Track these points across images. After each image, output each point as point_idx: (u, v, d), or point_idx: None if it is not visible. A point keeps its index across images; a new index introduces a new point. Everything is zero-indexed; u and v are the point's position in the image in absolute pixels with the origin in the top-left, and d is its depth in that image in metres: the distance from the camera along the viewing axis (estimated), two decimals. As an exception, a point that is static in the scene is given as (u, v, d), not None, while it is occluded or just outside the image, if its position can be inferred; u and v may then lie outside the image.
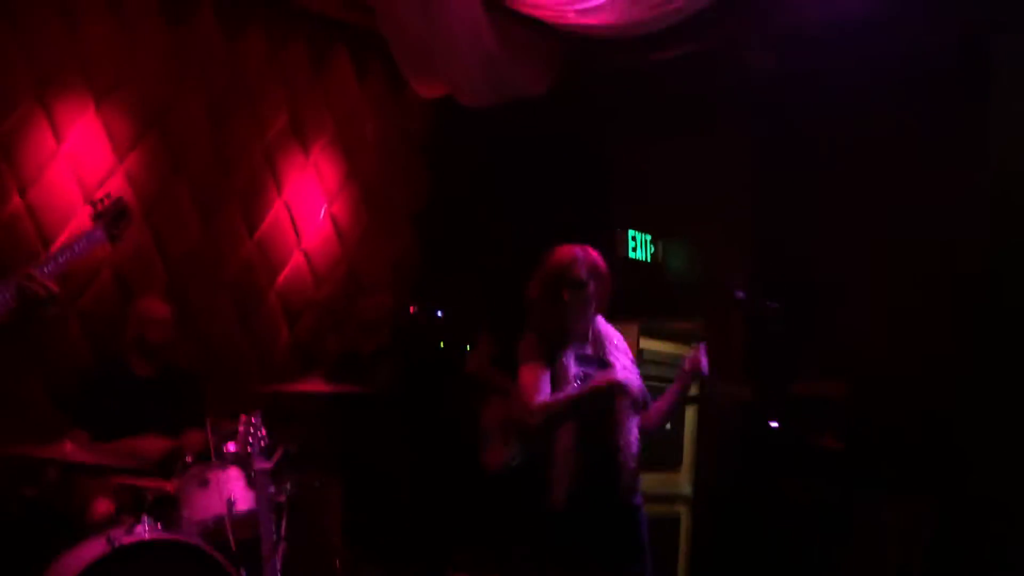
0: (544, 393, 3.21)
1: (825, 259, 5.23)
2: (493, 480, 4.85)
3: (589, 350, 3.37)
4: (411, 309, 4.90)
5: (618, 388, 3.25)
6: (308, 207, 5.70)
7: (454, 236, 5.99)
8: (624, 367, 3.38)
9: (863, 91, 5.02)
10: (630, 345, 5.14)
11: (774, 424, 4.52)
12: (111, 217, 3.42)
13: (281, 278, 5.58)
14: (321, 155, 5.79)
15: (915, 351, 4.81)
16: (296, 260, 5.65)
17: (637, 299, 4.65)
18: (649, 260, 5.69)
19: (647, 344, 5.16)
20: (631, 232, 5.64)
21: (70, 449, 3.66)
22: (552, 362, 3.26)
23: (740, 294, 3.98)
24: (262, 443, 3.39)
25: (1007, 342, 4.50)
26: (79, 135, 4.86)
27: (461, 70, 5.13)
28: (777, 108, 5.34)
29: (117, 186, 4.96)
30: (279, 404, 4.48)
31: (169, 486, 3.86)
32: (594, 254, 3.41)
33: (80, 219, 4.85)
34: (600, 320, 3.45)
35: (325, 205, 5.77)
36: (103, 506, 3.92)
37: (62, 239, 4.77)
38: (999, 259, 4.60)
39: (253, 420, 3.39)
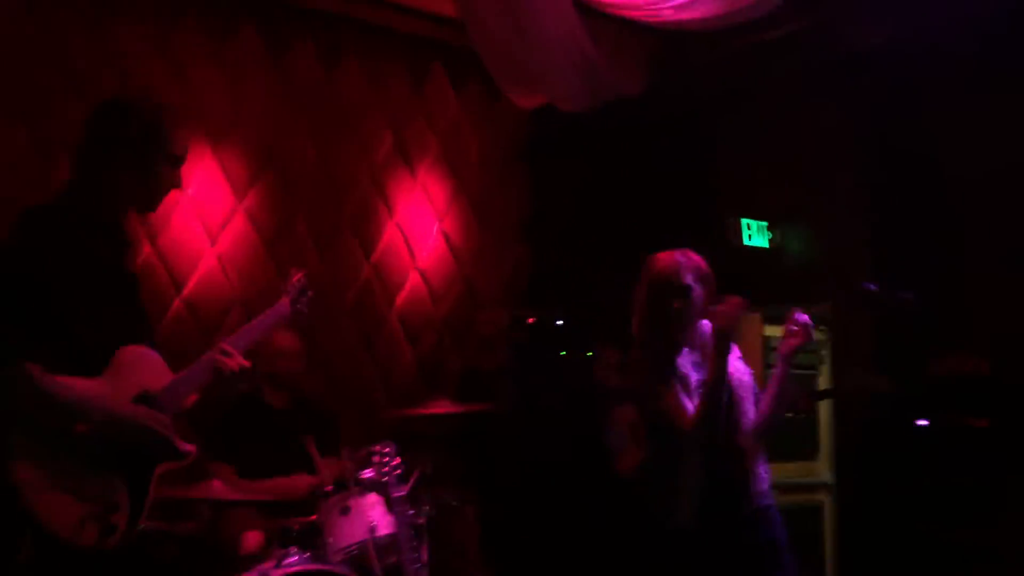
0: (689, 409, 3.19)
1: (948, 234, 5.00)
2: (626, 489, 4.83)
3: (699, 354, 3.31)
4: (529, 320, 4.90)
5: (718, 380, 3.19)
6: (420, 227, 5.79)
7: (564, 243, 5.97)
8: (734, 368, 3.30)
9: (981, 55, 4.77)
10: (754, 335, 5.09)
11: (923, 422, 4.33)
12: (296, 292, 3.50)
13: (400, 299, 5.68)
14: (428, 174, 5.86)
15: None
16: (413, 280, 5.74)
17: (756, 287, 4.55)
18: (767, 246, 5.56)
19: (771, 331, 5.04)
20: (744, 220, 5.52)
21: (220, 487, 3.80)
22: (673, 374, 3.22)
23: (871, 286, 3.80)
24: (396, 471, 3.46)
25: None
26: (200, 180, 5.06)
27: (557, 77, 5.07)
28: (885, 81, 5.13)
29: (239, 226, 5.17)
30: (409, 428, 4.55)
31: (312, 516, 3.98)
32: (696, 257, 3.32)
33: (208, 260, 5.06)
34: (705, 321, 3.38)
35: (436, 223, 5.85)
36: (253, 539, 4.07)
37: (193, 281, 4.99)
38: None
39: (386, 449, 3.46)
